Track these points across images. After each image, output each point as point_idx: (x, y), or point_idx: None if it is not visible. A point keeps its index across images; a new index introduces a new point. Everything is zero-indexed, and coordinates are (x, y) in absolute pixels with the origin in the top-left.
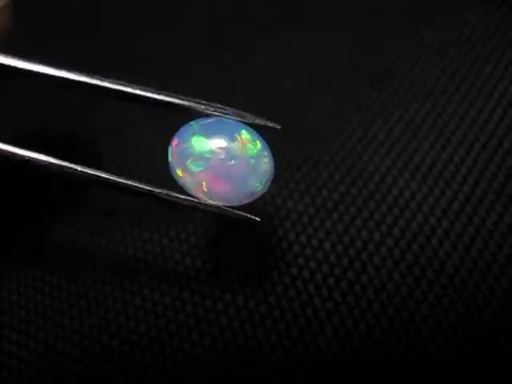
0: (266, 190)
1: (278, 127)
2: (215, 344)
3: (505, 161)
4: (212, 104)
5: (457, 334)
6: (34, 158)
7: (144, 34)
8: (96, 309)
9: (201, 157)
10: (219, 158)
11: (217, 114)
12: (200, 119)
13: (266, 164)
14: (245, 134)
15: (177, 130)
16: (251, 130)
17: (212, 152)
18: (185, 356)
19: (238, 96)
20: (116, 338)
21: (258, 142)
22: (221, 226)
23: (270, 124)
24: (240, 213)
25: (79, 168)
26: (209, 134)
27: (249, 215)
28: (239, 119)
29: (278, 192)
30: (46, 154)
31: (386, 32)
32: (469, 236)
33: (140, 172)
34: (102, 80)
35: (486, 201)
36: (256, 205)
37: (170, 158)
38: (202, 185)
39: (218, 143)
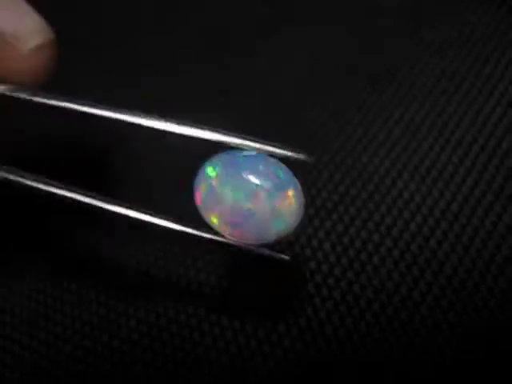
0: (294, 228)
1: (309, 160)
2: (216, 343)
3: (503, 162)
4: (240, 136)
5: (456, 334)
6: (53, 192)
7: (144, 33)
8: (96, 309)
9: (223, 199)
10: (240, 205)
11: (243, 146)
12: (222, 155)
13: (290, 201)
14: (266, 172)
15: (201, 160)
16: (276, 163)
17: (235, 193)
18: (185, 355)
19: (238, 96)
20: (116, 337)
21: (280, 175)
22: None
23: (301, 156)
24: (270, 251)
25: (111, 208)
26: (230, 172)
27: (279, 254)
28: (265, 152)
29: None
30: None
31: (386, 32)
32: (467, 237)
33: (166, 204)
34: (127, 113)
35: (485, 202)
36: None
37: (198, 195)
38: (226, 227)
39: (240, 184)
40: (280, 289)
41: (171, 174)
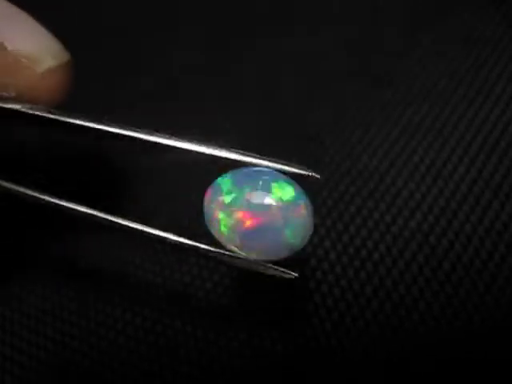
0: (305, 243)
1: (318, 176)
2: (219, 338)
3: (502, 161)
4: (248, 153)
5: (454, 331)
6: (51, 202)
7: (144, 33)
8: (102, 307)
9: (234, 211)
10: (253, 212)
11: (252, 163)
12: (234, 171)
13: (301, 216)
14: (277, 187)
15: (211, 178)
16: (286, 179)
17: (245, 206)
18: (187, 353)
19: (238, 97)
20: (122, 334)
21: (291, 191)
22: None
23: (310, 173)
24: (275, 267)
25: (109, 218)
26: (242, 187)
27: (284, 270)
28: (275, 169)
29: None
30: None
31: (386, 33)
32: (466, 234)
33: (174, 220)
34: (135, 131)
35: (483, 200)
36: None
37: (205, 212)
38: (235, 239)
39: (251, 198)
40: (280, 288)
41: (179, 188)
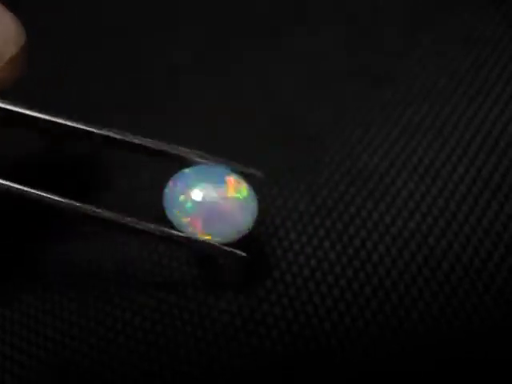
0: (250, 229)
1: (261, 175)
2: (219, 339)
3: (501, 161)
4: (203, 154)
5: (453, 331)
6: (30, 192)
7: (144, 33)
8: (102, 306)
9: (196, 198)
10: (213, 200)
11: (207, 162)
12: (192, 166)
13: (254, 204)
14: (233, 179)
15: (169, 174)
16: (237, 175)
17: (206, 195)
18: (188, 353)
19: (238, 97)
20: (122, 334)
21: (244, 185)
22: None
23: (254, 172)
24: (228, 248)
25: (78, 204)
26: (202, 178)
27: (236, 251)
28: (226, 166)
29: (280, 192)
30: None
31: (386, 33)
32: (465, 234)
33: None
34: (101, 129)
35: (482, 200)
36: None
37: (167, 200)
38: (196, 224)
39: (211, 187)
40: (280, 286)
41: (142, 180)
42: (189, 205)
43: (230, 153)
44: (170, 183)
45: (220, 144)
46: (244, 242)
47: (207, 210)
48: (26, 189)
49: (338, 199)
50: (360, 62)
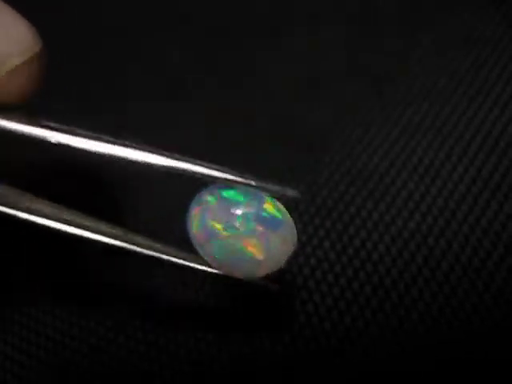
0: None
1: (299, 196)
2: (219, 339)
3: (501, 161)
4: (236, 174)
5: (453, 330)
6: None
7: (144, 33)
8: (102, 306)
9: (225, 228)
10: (243, 229)
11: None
12: (217, 186)
13: (292, 234)
14: (269, 204)
15: (193, 193)
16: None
17: (235, 225)
18: (188, 353)
19: (238, 97)
20: (122, 334)
21: (281, 210)
22: None
23: (291, 193)
24: (260, 282)
25: (103, 239)
26: (232, 204)
27: (268, 283)
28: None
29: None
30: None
31: (386, 33)
32: (464, 234)
33: (157, 231)
34: (124, 145)
35: (482, 200)
36: None
37: (192, 229)
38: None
39: (242, 214)
40: (279, 285)
41: (166, 203)
42: (215, 247)
43: (228, 155)
44: (194, 211)
45: (220, 144)
46: None
47: (233, 255)
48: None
49: (338, 199)
50: (360, 61)
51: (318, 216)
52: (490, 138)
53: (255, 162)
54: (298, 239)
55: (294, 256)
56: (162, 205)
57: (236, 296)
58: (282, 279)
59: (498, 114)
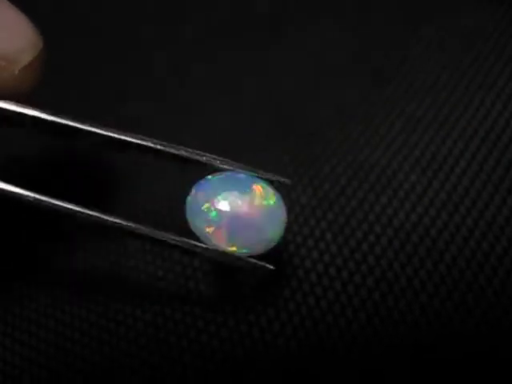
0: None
1: (288, 182)
2: (220, 330)
3: (504, 154)
4: (227, 160)
5: (454, 324)
6: (43, 200)
7: (144, 33)
8: (104, 310)
9: (221, 207)
10: (239, 209)
11: (231, 168)
12: (216, 174)
13: (282, 212)
14: (260, 186)
15: (192, 182)
16: (264, 182)
17: (232, 204)
18: (188, 344)
19: (240, 94)
20: (123, 325)
21: (272, 192)
22: None
23: (281, 179)
24: (254, 261)
25: (98, 215)
26: (227, 186)
27: (263, 263)
28: (252, 174)
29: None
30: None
31: (387, 28)
32: (467, 228)
33: (157, 222)
34: (120, 133)
35: (485, 193)
36: None
37: (189, 209)
38: (220, 234)
39: (236, 195)
40: (280, 280)
41: (160, 186)
42: (213, 214)
43: (230, 149)
44: (193, 191)
45: (220, 140)
46: None
47: (232, 219)
48: (49, 200)
49: (339, 192)
50: (361, 56)
51: (320, 209)
52: (492, 133)
53: (256, 155)
54: (300, 232)
55: (296, 248)
56: (162, 197)
57: (237, 286)
58: (283, 271)
59: (500, 109)
